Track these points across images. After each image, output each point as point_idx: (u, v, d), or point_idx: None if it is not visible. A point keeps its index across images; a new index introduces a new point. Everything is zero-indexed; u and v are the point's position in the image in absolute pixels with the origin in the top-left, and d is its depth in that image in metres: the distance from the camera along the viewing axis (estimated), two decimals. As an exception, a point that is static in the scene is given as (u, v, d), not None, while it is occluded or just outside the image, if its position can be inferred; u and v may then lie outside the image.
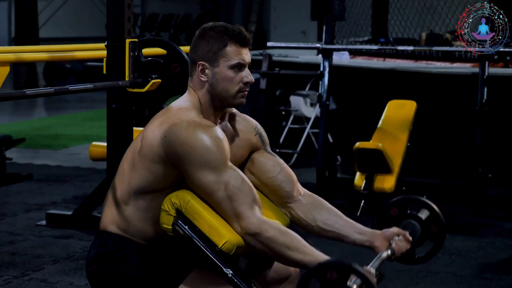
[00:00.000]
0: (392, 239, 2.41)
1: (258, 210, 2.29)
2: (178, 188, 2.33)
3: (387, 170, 4.74)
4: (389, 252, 2.38)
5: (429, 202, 2.53)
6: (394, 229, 2.43)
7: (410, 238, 2.43)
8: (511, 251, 4.52)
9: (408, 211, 2.53)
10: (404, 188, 4.91)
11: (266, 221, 2.29)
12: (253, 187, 2.32)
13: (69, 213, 4.89)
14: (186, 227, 2.28)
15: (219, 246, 2.25)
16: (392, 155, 4.77)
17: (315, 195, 2.56)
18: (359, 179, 4.82)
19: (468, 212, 5.29)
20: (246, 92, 2.41)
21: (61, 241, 4.54)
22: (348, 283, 2.05)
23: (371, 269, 2.23)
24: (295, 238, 2.27)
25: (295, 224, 2.52)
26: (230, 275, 2.26)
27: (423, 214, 2.52)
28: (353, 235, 2.45)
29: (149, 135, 2.35)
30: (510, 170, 6.04)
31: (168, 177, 2.34)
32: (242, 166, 2.50)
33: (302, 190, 2.55)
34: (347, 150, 5.50)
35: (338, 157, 6.65)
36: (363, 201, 4.79)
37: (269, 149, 2.57)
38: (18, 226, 4.84)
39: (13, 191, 5.80)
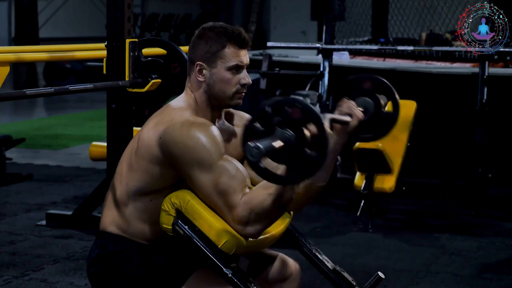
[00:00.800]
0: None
1: (247, 191, 2.26)
2: (177, 189, 2.33)
3: (387, 170, 4.74)
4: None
5: (386, 82, 2.61)
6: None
7: (356, 106, 2.47)
8: (511, 251, 4.52)
9: (365, 89, 2.57)
10: (404, 188, 4.91)
11: (248, 194, 2.25)
12: (246, 172, 2.29)
13: (69, 213, 4.89)
14: (186, 227, 2.28)
15: (219, 246, 2.25)
16: (392, 155, 4.77)
17: None
18: (359, 179, 4.82)
19: (468, 212, 5.29)
20: (243, 94, 2.41)
21: (61, 241, 4.53)
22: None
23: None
24: (271, 184, 2.20)
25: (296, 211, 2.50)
26: (230, 275, 2.25)
27: (380, 95, 2.58)
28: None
29: (145, 136, 2.35)
30: (510, 170, 6.03)
31: (166, 178, 2.33)
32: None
33: None
34: (347, 150, 5.49)
35: (338, 157, 6.64)
36: (363, 201, 4.79)
37: None
38: (18, 226, 4.84)
39: (13, 191, 5.80)
